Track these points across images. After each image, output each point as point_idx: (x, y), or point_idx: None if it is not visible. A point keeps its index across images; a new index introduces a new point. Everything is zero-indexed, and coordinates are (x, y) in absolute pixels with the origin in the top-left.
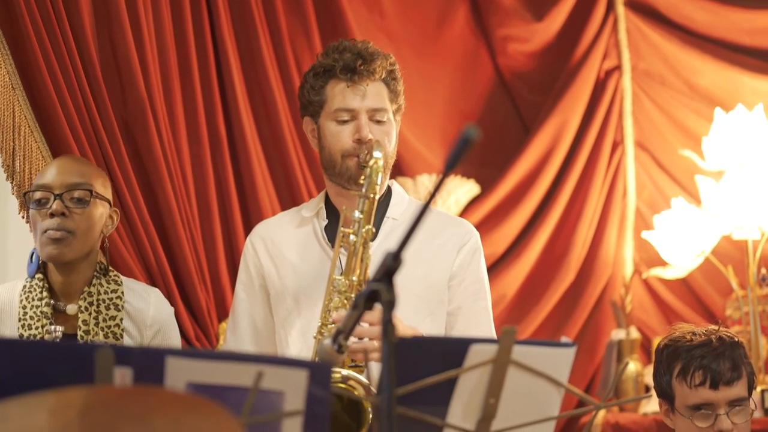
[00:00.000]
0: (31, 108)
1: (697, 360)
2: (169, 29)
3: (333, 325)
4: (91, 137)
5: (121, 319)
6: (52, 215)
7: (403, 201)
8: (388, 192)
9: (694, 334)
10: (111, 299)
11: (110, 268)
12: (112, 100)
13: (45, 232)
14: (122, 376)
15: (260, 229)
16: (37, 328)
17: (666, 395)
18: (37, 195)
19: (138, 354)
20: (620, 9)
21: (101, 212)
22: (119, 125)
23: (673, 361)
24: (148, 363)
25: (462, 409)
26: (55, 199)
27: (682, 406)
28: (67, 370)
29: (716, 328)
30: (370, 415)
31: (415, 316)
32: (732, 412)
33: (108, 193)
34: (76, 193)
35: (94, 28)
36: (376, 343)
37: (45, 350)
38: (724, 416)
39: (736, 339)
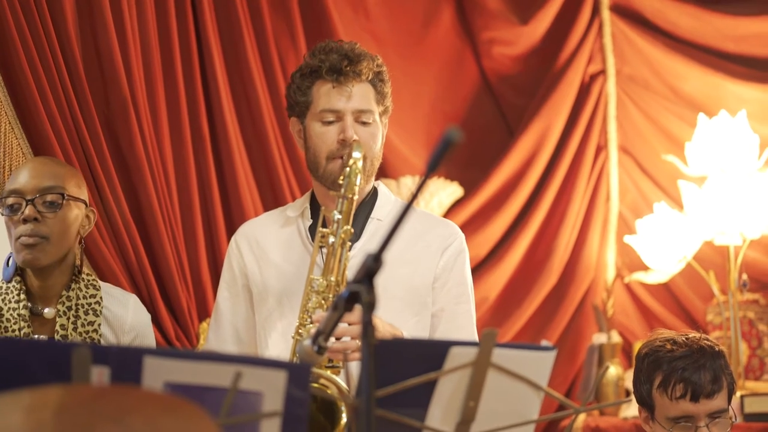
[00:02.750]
0: (12, 104)
1: (678, 372)
2: (153, 26)
3: (311, 326)
4: (73, 134)
5: (99, 325)
6: (24, 221)
7: (389, 202)
8: (374, 193)
9: (674, 342)
10: (89, 304)
11: (86, 271)
12: (94, 97)
13: (19, 238)
14: (99, 375)
15: (245, 229)
16: (14, 331)
17: (646, 404)
18: (10, 200)
19: (115, 353)
20: (605, 13)
21: (76, 214)
22: (101, 122)
23: (654, 371)
24: (125, 362)
25: (441, 411)
26: (27, 205)
27: (662, 417)
28: (44, 368)
29: (697, 336)
30: (344, 415)
31: (399, 318)
32: (712, 423)
33: (83, 194)
34: (49, 197)
35: (76, 23)
36: (356, 342)
37: (22, 348)
38: (704, 428)
39: (717, 348)
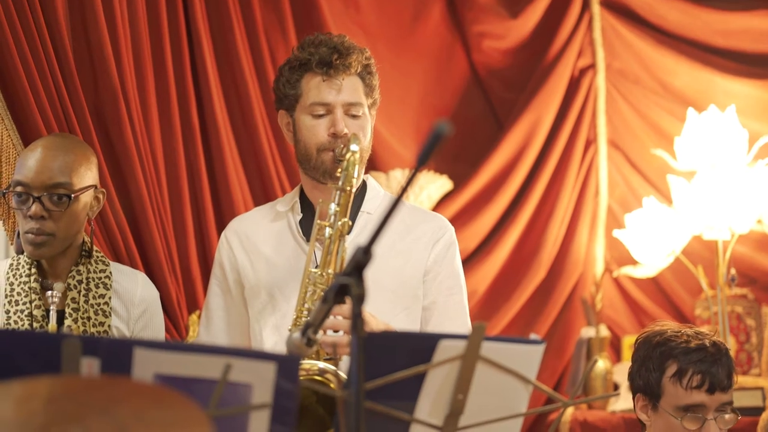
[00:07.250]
0: (2, 93)
1: (696, 364)
2: (143, 18)
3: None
4: (62, 124)
5: (110, 298)
6: (31, 217)
7: (378, 195)
8: (363, 186)
9: (687, 335)
10: (100, 278)
11: (95, 248)
12: (84, 88)
13: (26, 232)
14: (89, 366)
15: (234, 225)
16: (24, 303)
17: (651, 392)
18: (18, 189)
19: (106, 344)
20: (595, 8)
21: (84, 203)
22: (91, 113)
23: (667, 360)
24: (115, 354)
25: (430, 404)
26: (33, 201)
27: (670, 406)
28: (34, 360)
29: (705, 332)
30: None
31: (390, 311)
32: (719, 418)
33: (91, 179)
34: (56, 195)
35: (67, 12)
36: (346, 337)
37: (12, 339)
38: (713, 421)
39: (725, 347)
